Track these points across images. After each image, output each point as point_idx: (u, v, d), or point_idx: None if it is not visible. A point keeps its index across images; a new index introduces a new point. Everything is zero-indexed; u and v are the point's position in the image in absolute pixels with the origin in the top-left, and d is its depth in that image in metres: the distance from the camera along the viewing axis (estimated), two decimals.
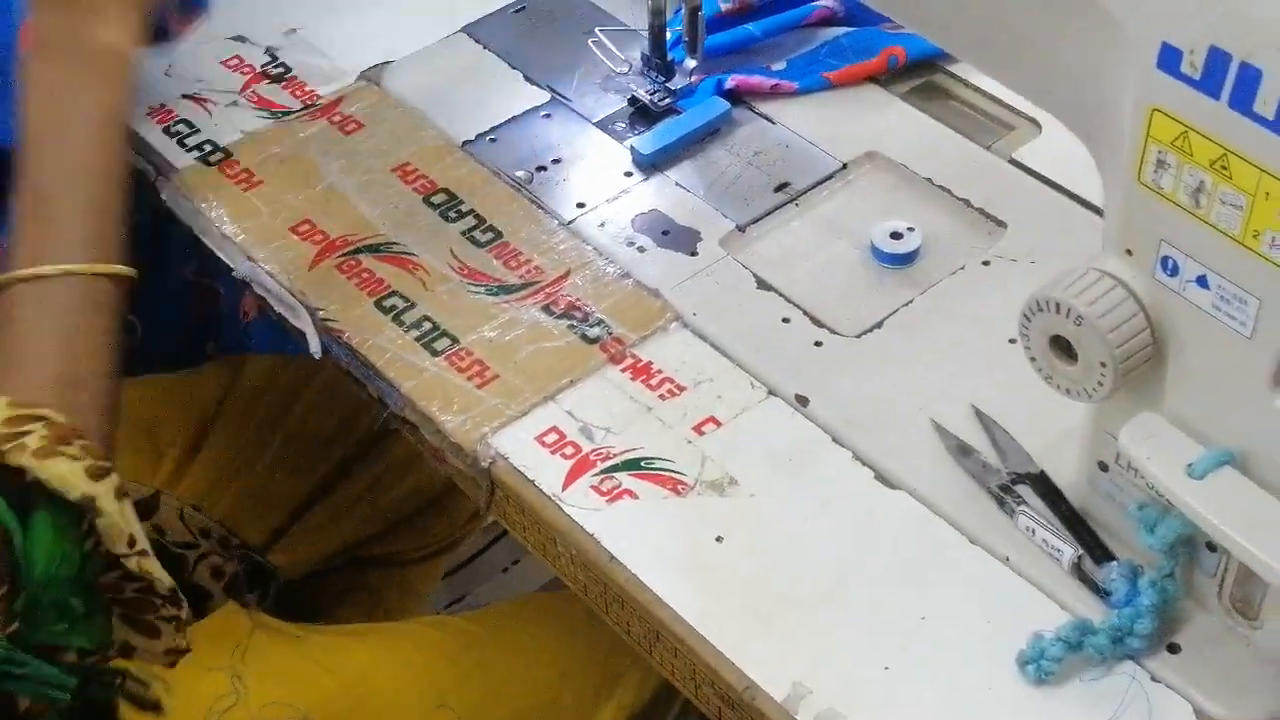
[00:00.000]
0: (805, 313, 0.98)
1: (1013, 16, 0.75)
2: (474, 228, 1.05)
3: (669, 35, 1.10)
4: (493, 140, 1.11)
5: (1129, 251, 0.73)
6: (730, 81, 1.11)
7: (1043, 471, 0.86)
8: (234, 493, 1.25)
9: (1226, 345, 0.70)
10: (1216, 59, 0.64)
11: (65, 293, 0.88)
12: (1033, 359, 0.77)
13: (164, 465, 1.22)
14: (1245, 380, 0.71)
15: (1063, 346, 0.75)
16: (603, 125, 1.13)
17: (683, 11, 1.05)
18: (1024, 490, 0.85)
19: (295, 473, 1.29)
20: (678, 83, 1.12)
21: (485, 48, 1.19)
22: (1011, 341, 0.90)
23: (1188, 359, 0.73)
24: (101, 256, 0.89)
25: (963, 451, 0.88)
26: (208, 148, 1.12)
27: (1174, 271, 0.71)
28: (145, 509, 1.17)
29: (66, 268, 0.87)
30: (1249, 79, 0.63)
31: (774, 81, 1.11)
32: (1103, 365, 0.73)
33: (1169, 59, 0.66)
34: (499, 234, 1.05)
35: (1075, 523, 0.83)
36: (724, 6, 1.15)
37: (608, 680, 1.14)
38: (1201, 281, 0.70)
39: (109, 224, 0.91)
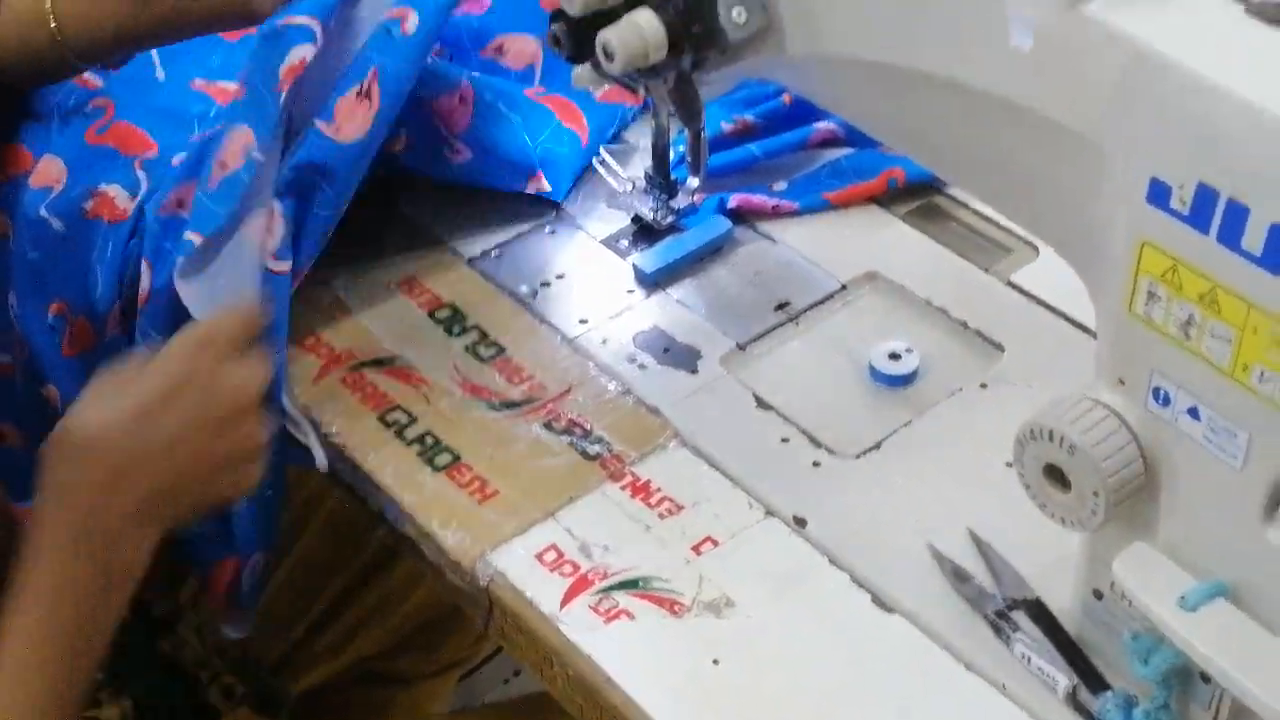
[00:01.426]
0: (804, 432, 0.98)
1: (1006, 148, 0.76)
2: (477, 343, 1.06)
3: (672, 155, 1.11)
4: (498, 256, 1.13)
5: (1121, 381, 0.73)
6: (733, 201, 1.12)
7: (1038, 598, 0.86)
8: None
9: (1218, 477, 0.71)
10: (1205, 195, 0.65)
11: None
12: (1027, 486, 0.78)
13: (188, 584, 1.23)
14: (1237, 512, 0.71)
15: (1057, 475, 0.76)
16: (607, 242, 1.14)
17: (686, 133, 1.07)
18: (1019, 616, 0.85)
19: (307, 592, 1.29)
20: (681, 201, 1.13)
21: None
22: (1008, 465, 0.90)
23: (1180, 489, 0.73)
24: None
25: (959, 577, 0.88)
26: None
27: (1166, 402, 0.72)
28: (165, 623, 1.17)
29: None
30: (1237, 215, 0.64)
31: (775, 201, 1.13)
32: (1095, 494, 0.74)
33: (1158, 194, 0.67)
34: (502, 349, 1.06)
35: (1070, 650, 0.83)
36: (726, 127, 1.16)
37: None
38: (1193, 413, 0.71)
39: None
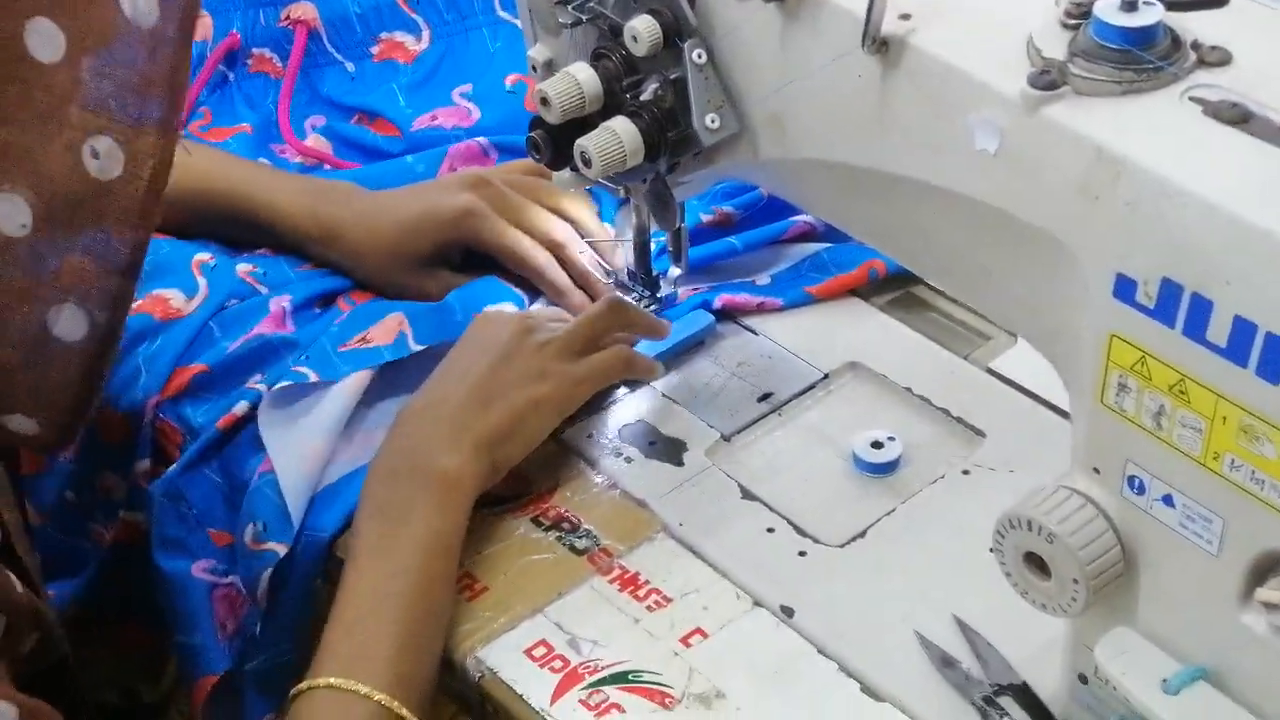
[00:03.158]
0: (789, 522, 0.99)
1: (975, 247, 0.78)
2: None
3: (653, 246, 1.13)
4: None
5: (1096, 470, 0.75)
6: (718, 302, 1.13)
7: (1025, 683, 0.87)
8: None
9: (1194, 563, 0.72)
10: (1169, 290, 0.67)
11: (367, 716, 0.87)
12: (1008, 574, 0.79)
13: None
14: (1214, 597, 0.72)
15: (1037, 563, 0.77)
16: None
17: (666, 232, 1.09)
18: (1007, 702, 0.86)
19: None
20: (663, 292, 1.14)
21: None
22: (992, 551, 0.92)
23: (1158, 575, 0.75)
24: (403, 697, 0.87)
25: (946, 663, 0.89)
26: None
27: (1140, 490, 0.73)
28: (156, 710, 1.18)
29: (374, 694, 0.87)
30: (1201, 309, 0.66)
31: (760, 299, 1.14)
32: (1075, 582, 0.75)
33: (1124, 289, 0.69)
34: None
35: None
36: (706, 218, 1.18)
37: None
38: (1167, 500, 0.72)
39: (416, 661, 0.90)
